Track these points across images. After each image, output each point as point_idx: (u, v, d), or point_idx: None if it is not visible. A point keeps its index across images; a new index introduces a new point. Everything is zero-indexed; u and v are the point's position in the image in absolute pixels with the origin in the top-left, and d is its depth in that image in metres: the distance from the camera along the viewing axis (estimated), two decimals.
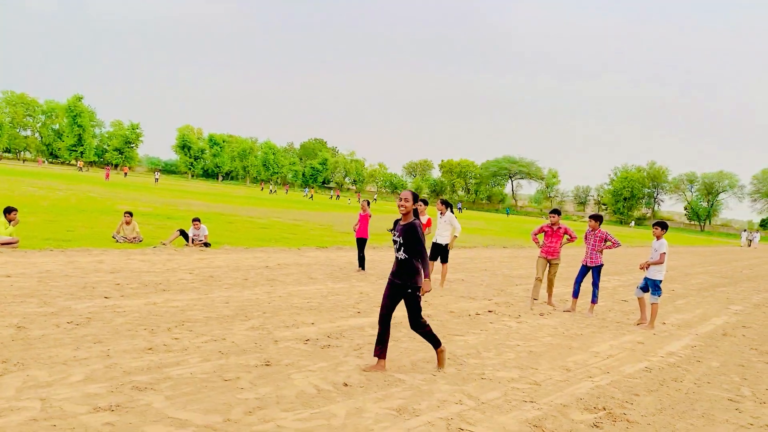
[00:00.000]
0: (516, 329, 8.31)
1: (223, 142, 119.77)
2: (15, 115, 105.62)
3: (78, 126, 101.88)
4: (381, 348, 5.66)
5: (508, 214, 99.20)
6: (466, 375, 5.80)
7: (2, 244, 10.94)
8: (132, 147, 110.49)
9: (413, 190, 5.65)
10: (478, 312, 9.25)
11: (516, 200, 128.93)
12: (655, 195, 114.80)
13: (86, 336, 5.82)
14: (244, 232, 18.84)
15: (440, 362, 5.86)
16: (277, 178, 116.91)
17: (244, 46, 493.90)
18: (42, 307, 6.80)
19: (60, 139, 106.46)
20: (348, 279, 11.44)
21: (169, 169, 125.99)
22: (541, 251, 10.63)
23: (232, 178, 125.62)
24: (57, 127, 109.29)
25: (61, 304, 7.05)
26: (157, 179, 68.69)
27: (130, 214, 13.84)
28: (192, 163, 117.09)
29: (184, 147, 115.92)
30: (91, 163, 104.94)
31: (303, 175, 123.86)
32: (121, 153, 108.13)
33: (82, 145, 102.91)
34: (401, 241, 5.49)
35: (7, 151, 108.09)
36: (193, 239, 13.96)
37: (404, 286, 5.51)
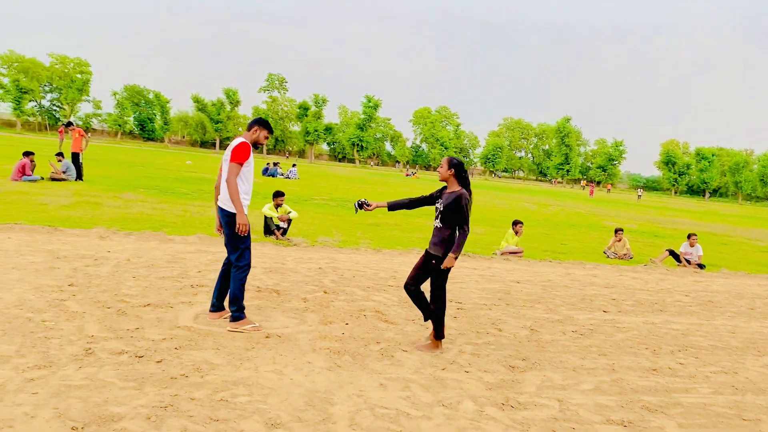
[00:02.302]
0: None
1: (713, 155, 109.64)
2: (512, 139, 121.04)
3: (565, 146, 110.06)
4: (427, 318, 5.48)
5: None
6: None
7: (510, 252, 12.49)
8: (615, 164, 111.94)
9: (454, 157, 5.31)
10: None
11: None
12: None
13: (590, 347, 6.09)
14: (741, 255, 16.80)
15: (424, 348, 5.35)
16: None
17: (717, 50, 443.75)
18: (548, 314, 7.44)
19: (548, 158, 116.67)
20: None
21: (650, 186, 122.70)
22: None
23: (720, 195, 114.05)
24: (546, 147, 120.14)
25: (564, 312, 7.57)
26: (639, 196, 67.81)
27: (621, 230, 13.95)
28: (676, 179, 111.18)
29: (668, 162, 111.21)
30: (575, 181, 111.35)
31: None
32: (604, 170, 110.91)
33: (569, 164, 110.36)
34: (441, 209, 5.20)
35: (505, 171, 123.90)
36: (687, 258, 13.15)
37: (434, 257, 5.19)
